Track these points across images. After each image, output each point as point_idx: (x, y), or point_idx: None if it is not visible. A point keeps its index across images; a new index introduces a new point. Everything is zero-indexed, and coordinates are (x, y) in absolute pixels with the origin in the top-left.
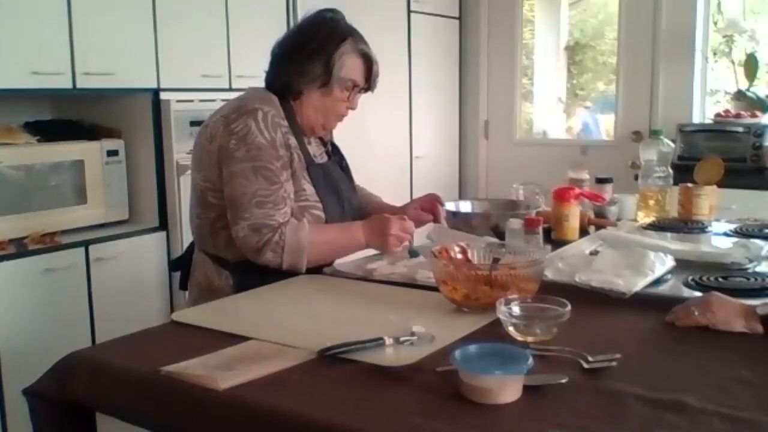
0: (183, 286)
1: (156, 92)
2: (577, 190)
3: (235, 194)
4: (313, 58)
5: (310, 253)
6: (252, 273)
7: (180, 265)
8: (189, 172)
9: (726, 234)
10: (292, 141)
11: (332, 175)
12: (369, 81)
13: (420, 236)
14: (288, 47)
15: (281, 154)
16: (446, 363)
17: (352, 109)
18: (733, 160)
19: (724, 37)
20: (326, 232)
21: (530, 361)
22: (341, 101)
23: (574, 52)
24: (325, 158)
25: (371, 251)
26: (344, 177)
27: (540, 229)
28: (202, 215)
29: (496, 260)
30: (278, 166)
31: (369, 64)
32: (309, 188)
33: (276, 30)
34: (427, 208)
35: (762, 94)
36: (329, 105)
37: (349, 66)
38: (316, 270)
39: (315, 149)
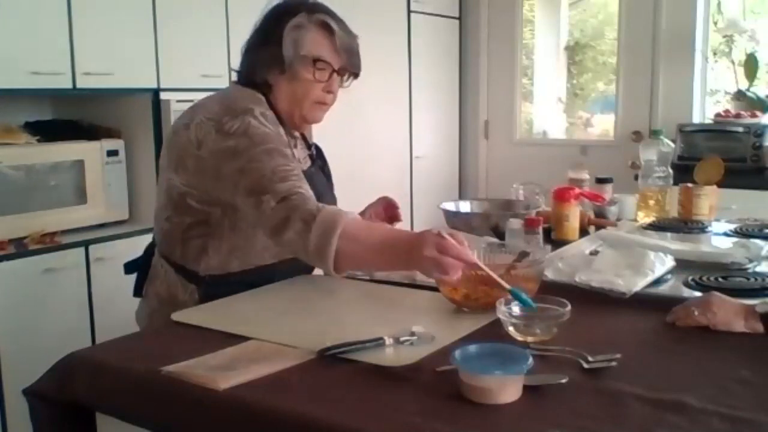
0: (137, 292)
1: (156, 92)
2: (577, 190)
3: (251, 182)
4: (264, 42)
5: (342, 244)
6: (223, 287)
7: (136, 269)
8: None
9: (726, 234)
10: None
11: (315, 184)
12: (340, 56)
13: None
14: (247, 41)
15: (288, 145)
16: (446, 363)
17: (331, 92)
18: (733, 160)
19: (724, 37)
20: (371, 228)
21: (530, 361)
22: (312, 83)
23: (574, 52)
24: (308, 163)
25: None
26: (326, 184)
27: (540, 229)
28: (174, 219)
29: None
30: (290, 153)
31: (332, 35)
32: None
33: None
34: (381, 213)
35: (762, 94)
36: (300, 90)
37: (307, 41)
38: (315, 270)
39: (299, 153)
